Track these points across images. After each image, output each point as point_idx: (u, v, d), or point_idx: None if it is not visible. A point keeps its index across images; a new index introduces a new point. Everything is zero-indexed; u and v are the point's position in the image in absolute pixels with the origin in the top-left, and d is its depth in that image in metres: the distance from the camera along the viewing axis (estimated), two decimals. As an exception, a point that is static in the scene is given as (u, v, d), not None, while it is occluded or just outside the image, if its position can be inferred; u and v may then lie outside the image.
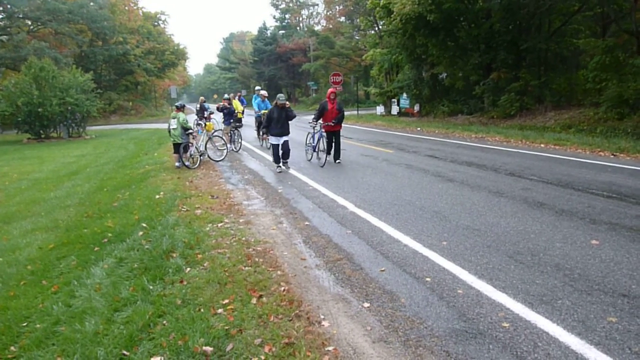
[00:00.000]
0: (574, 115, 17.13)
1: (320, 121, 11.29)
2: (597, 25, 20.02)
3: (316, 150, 11.59)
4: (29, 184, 11.92)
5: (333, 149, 11.45)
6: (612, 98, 14.99)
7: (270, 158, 11.41)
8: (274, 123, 10.33)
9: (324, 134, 11.34)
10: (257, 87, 17.28)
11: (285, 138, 10.48)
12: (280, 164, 10.58)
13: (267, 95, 16.03)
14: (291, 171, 10.47)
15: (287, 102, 10.86)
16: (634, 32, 15.73)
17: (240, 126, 15.01)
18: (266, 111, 13.74)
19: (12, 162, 17.06)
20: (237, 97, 18.39)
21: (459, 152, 12.30)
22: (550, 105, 19.00)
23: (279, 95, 10.60)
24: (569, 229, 5.45)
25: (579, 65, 20.61)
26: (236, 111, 15.89)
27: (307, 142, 12.16)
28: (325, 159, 11.01)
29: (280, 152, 10.53)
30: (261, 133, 14.67)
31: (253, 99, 16.58)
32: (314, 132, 11.73)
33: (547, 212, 6.17)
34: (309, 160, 11.83)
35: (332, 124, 11.17)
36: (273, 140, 10.46)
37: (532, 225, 5.69)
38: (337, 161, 11.26)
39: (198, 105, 21.91)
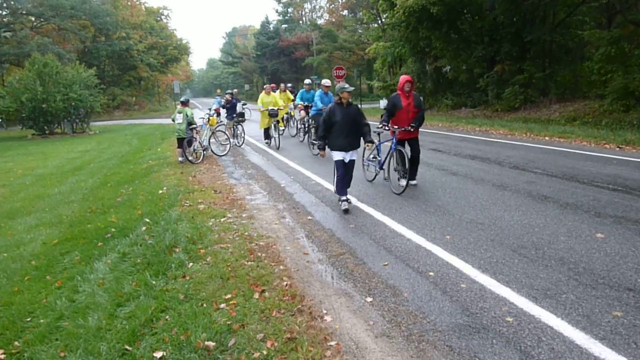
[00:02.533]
0: (578, 107, 16.99)
1: (390, 126, 7.56)
2: (602, 17, 19.80)
3: (383, 167, 7.91)
4: (33, 179, 11.96)
5: (410, 166, 7.53)
6: (617, 90, 14.84)
7: (282, 158, 11.07)
8: (337, 130, 6.60)
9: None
10: (307, 81, 14.27)
11: (353, 155, 6.82)
12: (347, 197, 6.78)
13: (329, 85, 12.30)
14: (358, 204, 6.95)
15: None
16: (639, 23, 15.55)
17: (243, 121, 14.96)
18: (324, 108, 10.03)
19: (16, 157, 17.12)
20: (284, 89, 16.27)
21: (463, 145, 12.23)
22: (555, 97, 18.86)
23: (339, 85, 6.70)
24: (573, 223, 5.40)
25: (584, 57, 20.39)
26: (277, 107, 13.66)
27: (368, 155, 8.41)
28: (407, 184, 7.27)
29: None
30: (313, 144, 11.69)
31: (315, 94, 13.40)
32: (379, 142, 7.92)
33: (551, 206, 6.13)
34: (371, 181, 8.33)
35: (411, 129, 7.50)
36: (338, 155, 6.68)
37: (537, 218, 5.65)
38: (413, 182, 7.81)
39: (224, 101, 22.47)
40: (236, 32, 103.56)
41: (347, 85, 6.65)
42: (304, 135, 13.83)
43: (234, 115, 14.91)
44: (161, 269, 4.74)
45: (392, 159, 7.80)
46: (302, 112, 13.67)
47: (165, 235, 5.70)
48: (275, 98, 13.99)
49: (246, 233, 5.75)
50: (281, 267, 4.64)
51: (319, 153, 7.38)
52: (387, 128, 7.55)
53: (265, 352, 3.16)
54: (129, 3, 53.79)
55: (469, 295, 3.82)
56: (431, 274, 4.29)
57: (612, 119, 14.12)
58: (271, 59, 61.22)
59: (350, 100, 6.68)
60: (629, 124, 13.13)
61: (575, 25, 19.98)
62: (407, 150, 7.64)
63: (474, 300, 3.74)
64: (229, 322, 3.57)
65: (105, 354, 3.35)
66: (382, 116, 7.87)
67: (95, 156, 16.02)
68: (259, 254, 5.01)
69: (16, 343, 3.75)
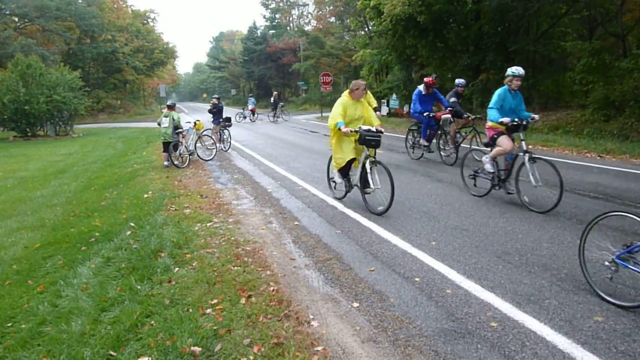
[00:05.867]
0: (561, 116, 17.29)
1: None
2: (584, 28, 20.25)
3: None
4: (15, 182, 11.75)
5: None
6: (598, 100, 15.15)
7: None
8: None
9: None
10: (461, 81, 11.45)
11: None
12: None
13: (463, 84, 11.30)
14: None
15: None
16: (620, 35, 15.94)
17: (230, 125, 14.92)
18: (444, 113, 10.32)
19: (-3, 160, 16.81)
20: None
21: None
22: (538, 106, 19.15)
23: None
24: (556, 230, 5.50)
25: (566, 68, 20.80)
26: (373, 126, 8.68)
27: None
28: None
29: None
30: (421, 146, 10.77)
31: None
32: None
33: (534, 213, 6.23)
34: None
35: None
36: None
37: (520, 225, 5.74)
38: None
39: (272, 100, 29.66)
40: (223, 37, 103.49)
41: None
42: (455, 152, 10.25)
43: (221, 119, 14.87)
44: (146, 274, 4.70)
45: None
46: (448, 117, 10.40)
47: (151, 240, 5.65)
48: (367, 108, 7.09)
49: (232, 238, 5.74)
50: (268, 272, 4.64)
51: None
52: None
53: (252, 358, 3.15)
54: (115, 5, 53.35)
55: (454, 301, 3.86)
56: (417, 279, 4.33)
57: (593, 129, 14.39)
58: (258, 64, 61.18)
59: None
60: (609, 134, 13.40)
61: (557, 36, 20.39)
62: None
63: (459, 305, 3.78)
64: (215, 328, 3.55)
65: (89, 359, 3.30)
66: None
67: (79, 159, 15.81)
68: (246, 259, 5.00)
69: (-3, 348, 3.68)
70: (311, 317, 3.72)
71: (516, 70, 6.45)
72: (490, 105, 6.53)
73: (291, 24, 68.20)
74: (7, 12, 40.34)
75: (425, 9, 19.47)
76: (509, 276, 4.27)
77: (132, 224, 6.50)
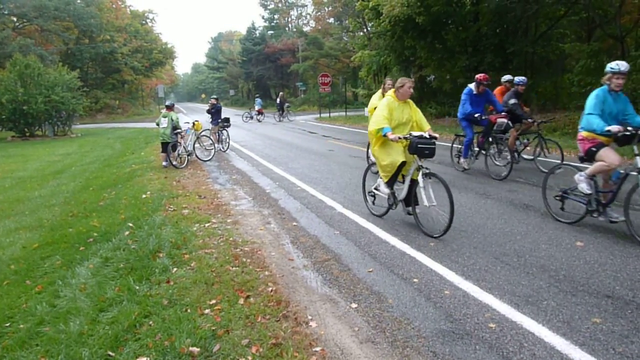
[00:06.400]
0: (559, 118, 17.32)
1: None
2: (582, 30, 20.31)
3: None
4: (13, 182, 11.73)
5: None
6: (597, 102, 15.19)
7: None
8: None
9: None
10: (508, 77, 9.84)
11: None
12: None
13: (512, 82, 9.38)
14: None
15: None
16: (618, 37, 15.97)
17: (228, 126, 14.92)
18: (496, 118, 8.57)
19: (-5, 160, 16.78)
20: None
21: (447, 154, 12.34)
22: (536, 108, 19.18)
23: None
24: (554, 231, 5.51)
25: (565, 69, 20.87)
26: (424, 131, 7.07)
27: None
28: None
29: None
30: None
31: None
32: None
33: (533, 214, 6.24)
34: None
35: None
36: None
37: (518, 227, 5.75)
38: None
39: (277, 100, 31.01)
40: (222, 38, 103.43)
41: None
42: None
43: (219, 120, 14.87)
44: (145, 274, 4.69)
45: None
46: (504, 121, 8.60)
47: (149, 240, 5.65)
48: (416, 110, 6.04)
49: (231, 238, 5.73)
50: (266, 272, 4.64)
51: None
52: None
53: (250, 358, 3.15)
54: (113, 6, 53.30)
55: (453, 302, 3.87)
56: (415, 280, 4.33)
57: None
58: (257, 64, 61.20)
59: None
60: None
61: (556, 38, 20.46)
62: None
63: (458, 306, 3.79)
64: (213, 328, 3.55)
65: (87, 359, 3.30)
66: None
67: (77, 159, 15.79)
68: (244, 259, 5.00)
69: (-5, 348, 3.67)
70: (309, 317, 3.73)
71: (617, 65, 5.15)
72: (587, 110, 5.28)
73: (290, 25, 68.24)
74: (6, 12, 40.30)
75: (424, 10, 19.51)
76: (507, 277, 4.28)
77: (131, 225, 6.49)
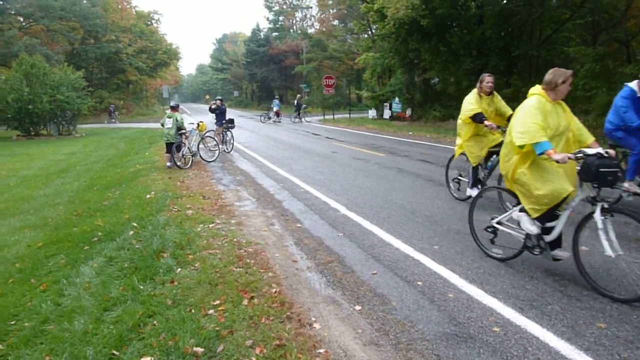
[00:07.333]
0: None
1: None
2: (587, 34, 20.27)
3: None
4: (18, 181, 11.79)
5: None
6: (602, 106, 15.13)
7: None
8: None
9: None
10: None
11: None
12: None
13: None
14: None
15: None
16: (624, 41, 15.94)
17: (233, 127, 14.94)
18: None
19: (0, 159, 16.86)
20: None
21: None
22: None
23: None
24: (558, 235, 5.48)
25: (570, 73, 20.81)
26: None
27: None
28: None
29: None
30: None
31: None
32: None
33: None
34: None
35: None
36: None
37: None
38: None
39: (295, 102, 32.46)
40: (226, 39, 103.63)
41: None
42: None
43: (223, 121, 14.90)
44: (149, 274, 4.70)
45: None
46: None
47: (153, 240, 5.66)
48: (571, 115, 4.62)
49: (235, 239, 5.74)
50: (270, 274, 4.64)
51: None
52: None
53: (253, 359, 3.15)
54: (119, 6, 53.51)
55: (457, 305, 3.86)
56: (419, 283, 4.33)
57: (597, 135, 14.27)
58: (261, 66, 61.34)
59: None
60: (612, 140, 13.38)
61: (561, 41, 20.42)
62: None
63: (462, 309, 3.78)
64: (217, 328, 3.55)
65: (91, 358, 3.30)
66: None
67: (82, 159, 15.85)
68: (248, 260, 5.00)
69: (0, 346, 3.69)
70: (313, 319, 3.72)
71: None
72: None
73: (294, 27, 68.38)
74: (12, 12, 40.53)
75: (429, 13, 19.54)
76: (511, 281, 4.27)
77: (135, 224, 6.51)
